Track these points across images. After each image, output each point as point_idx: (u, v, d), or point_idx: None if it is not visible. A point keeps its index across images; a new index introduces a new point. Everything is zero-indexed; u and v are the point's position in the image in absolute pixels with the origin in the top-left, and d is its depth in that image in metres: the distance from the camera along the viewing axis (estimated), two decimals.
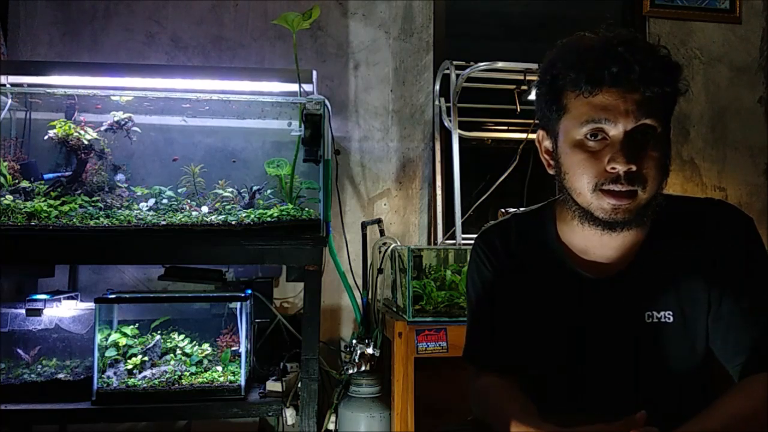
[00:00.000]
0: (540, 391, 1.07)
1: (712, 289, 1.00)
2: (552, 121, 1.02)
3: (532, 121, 2.30)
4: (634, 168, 0.92)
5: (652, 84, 0.92)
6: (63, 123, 1.93)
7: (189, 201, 1.99)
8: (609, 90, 0.93)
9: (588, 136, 0.96)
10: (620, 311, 1.04)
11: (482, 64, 2.18)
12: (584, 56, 0.95)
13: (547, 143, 1.06)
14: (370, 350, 2.04)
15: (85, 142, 1.94)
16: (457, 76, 2.22)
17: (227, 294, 2.11)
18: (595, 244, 1.04)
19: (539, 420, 0.93)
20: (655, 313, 1.02)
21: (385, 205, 2.48)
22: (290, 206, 1.96)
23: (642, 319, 1.02)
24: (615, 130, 0.94)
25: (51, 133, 1.92)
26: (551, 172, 1.06)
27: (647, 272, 1.03)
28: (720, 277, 1.00)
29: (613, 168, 0.93)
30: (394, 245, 2.18)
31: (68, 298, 2.04)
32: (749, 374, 0.95)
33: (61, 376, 1.87)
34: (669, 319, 1.02)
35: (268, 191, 2.06)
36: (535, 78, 2.23)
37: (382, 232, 2.32)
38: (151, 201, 1.95)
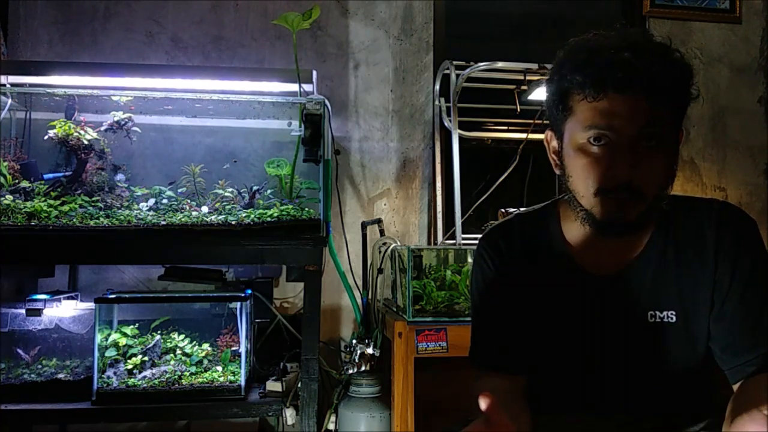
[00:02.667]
0: (543, 391, 1.07)
1: (715, 290, 1.00)
2: (558, 122, 1.01)
3: (532, 121, 2.30)
4: (635, 175, 0.91)
5: (658, 91, 0.90)
6: (63, 123, 1.93)
7: (189, 201, 1.98)
8: (614, 96, 0.91)
9: (591, 140, 0.94)
10: (623, 310, 1.03)
11: (482, 64, 2.18)
12: (590, 59, 0.92)
13: (555, 143, 1.04)
14: (370, 350, 2.03)
15: (85, 142, 1.94)
16: (457, 76, 2.22)
17: (227, 294, 2.10)
18: (598, 244, 1.04)
19: (525, 427, 0.92)
20: (657, 313, 1.02)
21: (385, 205, 2.48)
22: (290, 206, 1.96)
23: (645, 319, 1.02)
24: (618, 137, 0.92)
25: (51, 133, 1.91)
26: (558, 172, 1.04)
27: (650, 272, 1.03)
28: (723, 277, 0.99)
29: (615, 175, 0.92)
30: (394, 245, 2.18)
31: (68, 298, 2.04)
32: (751, 376, 0.95)
33: (61, 376, 1.86)
34: (672, 319, 1.02)
35: (268, 191, 2.05)
36: (535, 78, 2.24)
37: (382, 232, 2.32)
38: (151, 201, 1.95)
